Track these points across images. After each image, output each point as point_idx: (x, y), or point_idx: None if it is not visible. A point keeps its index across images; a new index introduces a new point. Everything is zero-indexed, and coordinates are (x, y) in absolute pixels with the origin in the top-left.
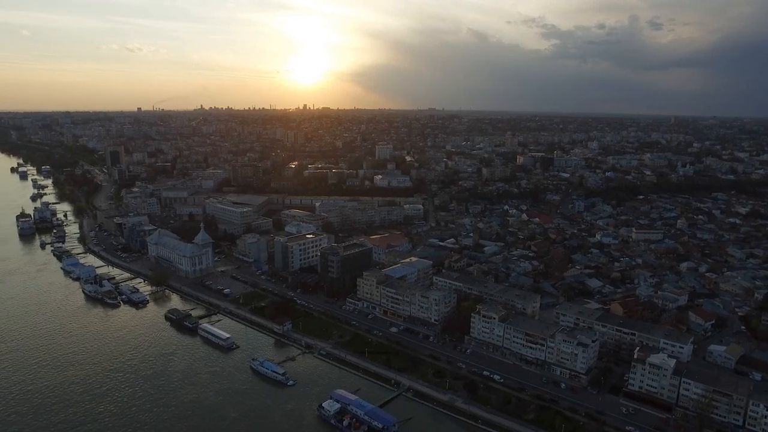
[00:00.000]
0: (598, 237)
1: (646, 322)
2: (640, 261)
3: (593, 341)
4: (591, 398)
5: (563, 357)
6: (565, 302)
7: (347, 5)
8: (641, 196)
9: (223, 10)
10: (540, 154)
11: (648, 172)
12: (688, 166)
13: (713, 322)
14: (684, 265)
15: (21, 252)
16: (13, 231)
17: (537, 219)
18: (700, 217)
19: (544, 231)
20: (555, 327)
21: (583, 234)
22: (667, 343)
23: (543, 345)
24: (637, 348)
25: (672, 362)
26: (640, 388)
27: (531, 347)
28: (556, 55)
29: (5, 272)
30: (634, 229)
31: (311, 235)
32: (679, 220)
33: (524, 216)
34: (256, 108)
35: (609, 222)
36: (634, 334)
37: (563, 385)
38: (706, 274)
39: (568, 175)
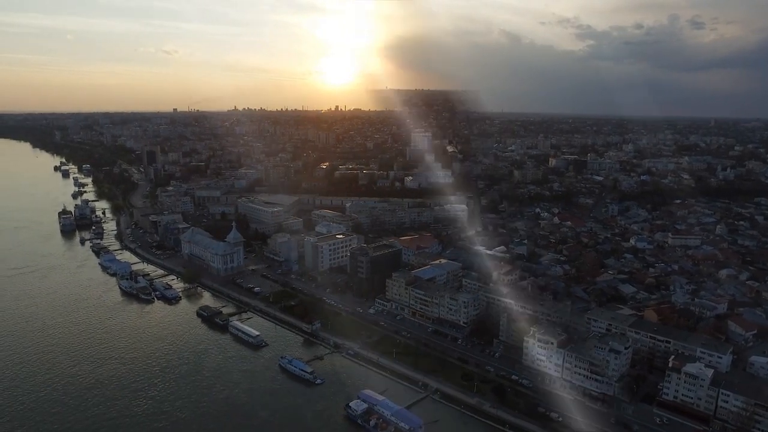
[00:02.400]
0: (632, 242)
1: (681, 329)
2: (676, 267)
3: (626, 348)
4: (623, 407)
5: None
6: (596, 307)
7: (378, 6)
8: (678, 201)
9: (256, 12)
10: (573, 156)
11: (686, 176)
12: (729, 169)
13: (755, 332)
14: (723, 272)
15: (63, 248)
16: (56, 227)
17: (569, 222)
18: (741, 222)
19: (576, 234)
20: (586, 332)
21: (617, 238)
22: (705, 352)
23: None
24: (672, 356)
25: (709, 372)
26: (675, 398)
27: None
28: (590, 56)
29: (48, 267)
30: (670, 234)
31: (341, 236)
32: (718, 226)
33: (556, 219)
34: (289, 109)
35: (644, 226)
36: (669, 342)
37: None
38: (747, 282)
39: (602, 178)
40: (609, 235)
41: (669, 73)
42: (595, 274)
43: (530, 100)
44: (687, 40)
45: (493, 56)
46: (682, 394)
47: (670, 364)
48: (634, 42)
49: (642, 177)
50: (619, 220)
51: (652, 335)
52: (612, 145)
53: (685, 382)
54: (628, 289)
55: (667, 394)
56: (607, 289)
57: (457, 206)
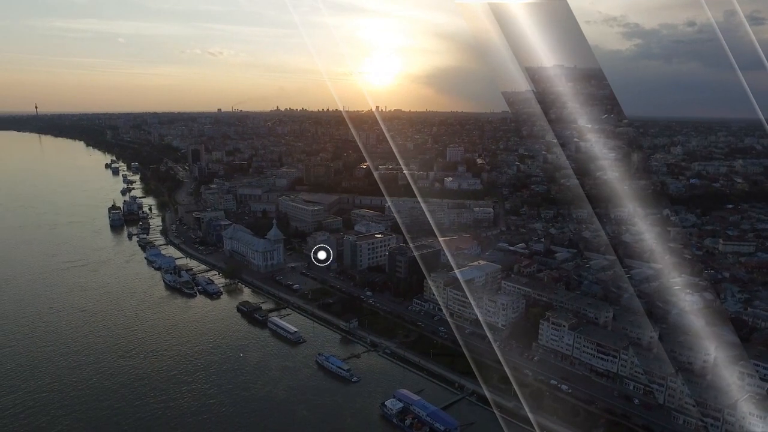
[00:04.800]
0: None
1: None
2: (727, 275)
3: None
4: (668, 417)
5: (637, 371)
6: None
7: (418, 7)
8: (730, 206)
9: (299, 14)
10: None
11: (739, 180)
12: None
13: None
14: None
15: (112, 242)
16: (106, 222)
17: None
18: None
19: None
20: (628, 338)
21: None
22: (758, 365)
23: (615, 357)
24: None
25: (765, 386)
26: None
27: (602, 358)
28: (637, 55)
29: (99, 262)
30: (721, 240)
31: (380, 235)
32: None
33: None
34: (330, 109)
35: (692, 232)
36: None
37: (636, 401)
38: None
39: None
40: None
41: (723, 73)
42: None
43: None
44: (744, 36)
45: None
46: None
47: None
48: (686, 40)
49: (691, 180)
50: (666, 225)
51: None
52: (659, 147)
53: None
54: None
55: None
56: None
57: (486, 209)
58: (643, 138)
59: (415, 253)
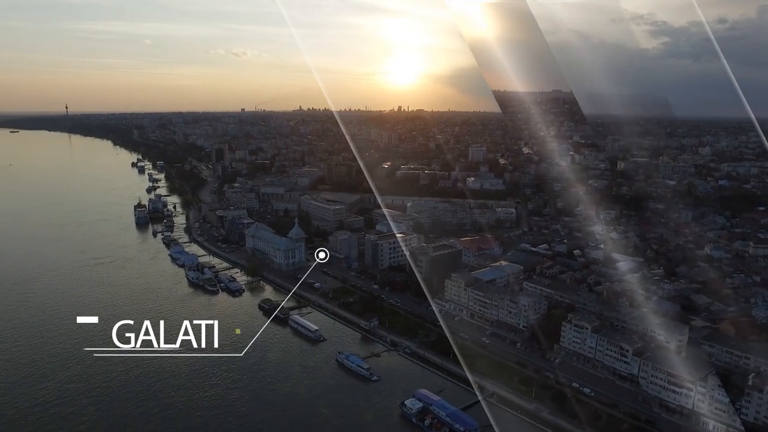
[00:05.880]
0: (707, 250)
1: (764, 345)
2: (758, 279)
3: None
4: (696, 423)
5: (660, 376)
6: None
7: (441, 7)
8: (762, 207)
9: (322, 14)
10: (643, 159)
11: None
12: None
13: None
14: None
15: (137, 240)
16: (132, 220)
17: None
18: None
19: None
20: (654, 341)
21: (690, 246)
22: None
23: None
24: (753, 374)
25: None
26: (756, 419)
27: (626, 362)
28: (665, 54)
29: (125, 259)
30: (751, 243)
31: (401, 235)
32: None
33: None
34: (352, 109)
35: (721, 234)
36: (749, 358)
37: None
38: None
39: (675, 182)
40: (681, 243)
41: (755, 71)
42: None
43: (599, 102)
44: None
45: (560, 56)
46: (764, 416)
47: (750, 383)
48: (716, 38)
49: (720, 182)
50: (693, 227)
51: (728, 350)
52: (687, 147)
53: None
54: (701, 300)
55: (747, 415)
56: (679, 298)
57: (508, 209)
58: (670, 138)
59: (436, 253)
